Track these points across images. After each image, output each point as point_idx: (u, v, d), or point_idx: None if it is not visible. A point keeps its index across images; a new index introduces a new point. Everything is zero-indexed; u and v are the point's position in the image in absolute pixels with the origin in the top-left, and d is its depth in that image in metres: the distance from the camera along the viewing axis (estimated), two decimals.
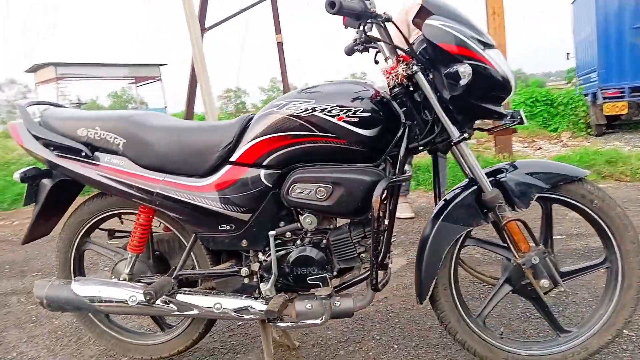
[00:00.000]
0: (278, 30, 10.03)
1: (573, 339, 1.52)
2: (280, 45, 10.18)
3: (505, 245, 1.48)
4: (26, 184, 1.68)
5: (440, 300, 1.55)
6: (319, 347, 1.88)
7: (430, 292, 1.51)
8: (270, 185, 1.49)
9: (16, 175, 1.60)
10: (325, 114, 1.40)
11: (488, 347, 1.55)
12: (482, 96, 1.38)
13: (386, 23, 1.44)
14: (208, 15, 8.14)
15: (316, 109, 1.41)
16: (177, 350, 1.80)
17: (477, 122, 1.51)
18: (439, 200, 1.57)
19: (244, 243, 1.56)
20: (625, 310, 1.48)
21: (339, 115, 1.40)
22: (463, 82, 1.31)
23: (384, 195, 1.48)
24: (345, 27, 1.36)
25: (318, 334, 1.98)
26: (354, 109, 1.39)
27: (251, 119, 1.55)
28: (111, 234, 1.84)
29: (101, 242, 1.83)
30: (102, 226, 1.83)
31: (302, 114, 1.42)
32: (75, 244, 1.80)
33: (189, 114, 7.90)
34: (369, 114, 1.40)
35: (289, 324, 1.53)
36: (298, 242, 1.55)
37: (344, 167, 1.45)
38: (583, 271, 1.57)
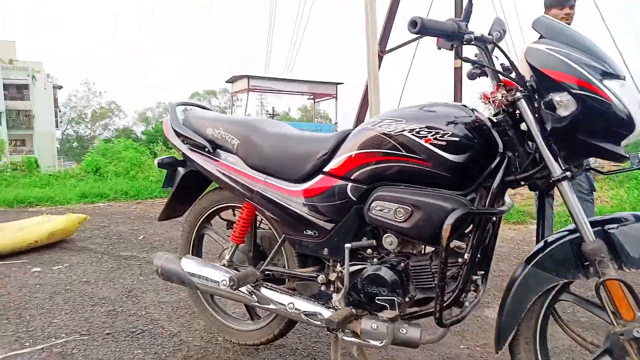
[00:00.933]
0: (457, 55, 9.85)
1: None
2: (458, 70, 10.00)
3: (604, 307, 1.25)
4: (165, 170, 2.01)
5: (520, 355, 1.38)
6: None
7: (508, 342, 1.36)
8: (355, 199, 1.52)
9: (156, 161, 1.93)
10: (413, 134, 1.39)
11: None
12: (594, 132, 1.21)
13: (495, 44, 1.36)
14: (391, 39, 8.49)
15: (405, 129, 1.40)
16: (260, 341, 1.93)
17: (592, 161, 1.32)
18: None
19: (325, 251, 1.61)
20: None
21: (426, 137, 1.37)
22: (561, 112, 1.17)
23: (468, 227, 1.40)
24: (439, 49, 1.32)
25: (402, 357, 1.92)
26: (442, 132, 1.35)
27: (349, 133, 1.61)
28: (229, 224, 2.07)
29: (217, 229, 2.08)
30: (223, 215, 2.08)
31: (393, 133, 1.42)
32: (196, 228, 2.08)
33: (362, 114, 8.29)
34: (458, 139, 1.34)
35: (351, 339, 1.53)
36: (375, 260, 1.54)
37: (427, 190, 1.41)
38: None
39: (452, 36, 1.24)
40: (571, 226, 1.34)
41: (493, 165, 1.38)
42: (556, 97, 1.18)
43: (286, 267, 1.80)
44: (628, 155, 1.24)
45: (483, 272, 1.52)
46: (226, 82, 14.11)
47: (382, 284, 1.48)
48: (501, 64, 1.38)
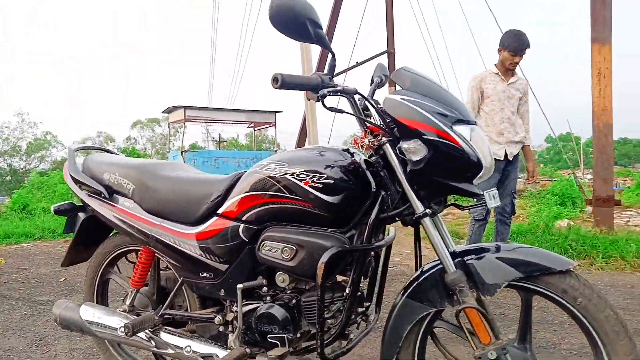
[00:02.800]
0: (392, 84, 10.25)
1: None
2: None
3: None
4: (66, 216, 1.98)
5: None
6: None
7: None
8: (247, 240, 1.57)
9: (52, 208, 1.90)
10: (294, 177, 1.46)
11: None
12: (447, 173, 1.33)
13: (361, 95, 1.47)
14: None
15: (288, 172, 1.48)
16: None
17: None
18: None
19: (222, 292, 1.64)
20: None
21: (305, 179, 1.45)
22: (413, 157, 1.29)
23: (347, 263, 1.48)
24: (308, 99, 1.42)
25: None
26: (319, 175, 1.43)
27: (241, 175, 1.67)
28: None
29: (120, 274, 2.05)
30: (130, 258, 2.06)
31: (277, 176, 1.49)
32: (100, 272, 2.04)
33: (300, 141, 8.37)
34: (333, 181, 1.43)
35: None
36: (269, 298, 1.59)
37: (310, 230, 1.49)
38: None
39: (316, 89, 1.34)
40: (436, 260, 1.46)
41: (368, 203, 1.48)
42: (404, 145, 1.30)
43: (188, 309, 1.81)
44: (481, 193, 1.37)
45: (374, 303, 1.61)
46: (162, 112, 13.93)
47: (273, 322, 1.52)
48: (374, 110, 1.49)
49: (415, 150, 1.29)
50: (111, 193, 1.83)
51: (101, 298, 2.07)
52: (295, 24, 1.22)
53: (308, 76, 1.32)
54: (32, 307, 3.33)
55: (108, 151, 2.15)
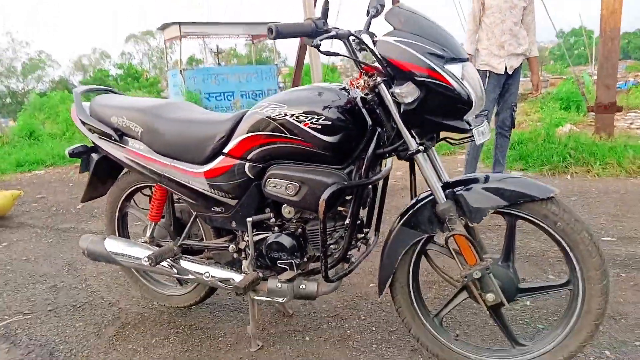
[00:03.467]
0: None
1: (525, 354, 1.54)
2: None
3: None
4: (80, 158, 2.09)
5: (398, 297, 1.65)
6: (309, 317, 2.10)
7: (385, 288, 1.61)
8: (253, 177, 1.68)
9: (67, 152, 2.00)
10: (294, 119, 1.53)
11: (440, 346, 1.63)
12: (439, 112, 1.40)
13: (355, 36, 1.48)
14: None
15: (287, 113, 1.54)
16: (190, 303, 2.14)
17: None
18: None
19: (234, 224, 1.79)
20: (581, 334, 1.45)
21: (304, 121, 1.52)
22: (406, 100, 1.35)
23: (347, 196, 1.60)
24: (305, 45, 1.43)
25: (315, 306, 2.19)
26: (317, 117, 1.50)
27: (244, 115, 1.73)
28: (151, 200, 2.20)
29: (137, 207, 2.20)
30: (144, 192, 2.19)
31: (277, 117, 1.56)
32: (118, 207, 2.19)
33: (296, 76, 8.21)
34: (331, 122, 1.49)
35: (261, 298, 1.76)
36: (276, 228, 1.74)
37: (311, 167, 1.58)
38: (544, 290, 1.56)
39: (311, 35, 1.36)
40: (444, 183, 1.57)
41: (365, 140, 1.56)
42: (397, 90, 1.35)
43: (204, 239, 1.98)
44: (471, 128, 1.44)
45: (374, 228, 1.76)
46: (157, 29, 13.40)
47: (282, 249, 1.69)
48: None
49: (407, 93, 1.34)
50: (120, 135, 1.91)
51: (122, 230, 2.25)
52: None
53: (302, 23, 1.34)
54: (56, 235, 3.57)
55: (113, 91, 2.19)
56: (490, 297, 1.46)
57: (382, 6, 1.72)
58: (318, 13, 1.45)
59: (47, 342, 2.05)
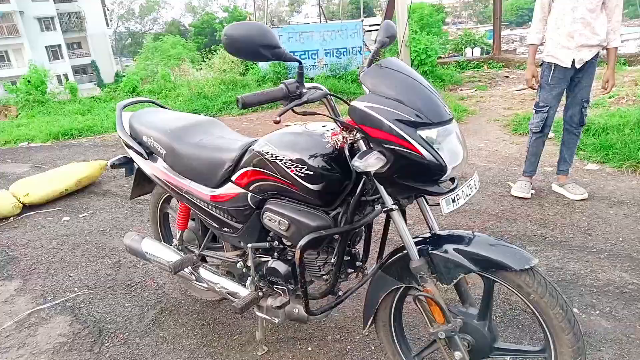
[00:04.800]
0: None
1: None
2: None
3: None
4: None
5: (380, 334, 1.73)
6: (318, 325, 2.25)
7: (369, 324, 1.69)
8: (254, 207, 1.81)
9: (108, 164, 2.26)
10: (282, 163, 1.61)
11: None
12: (409, 177, 1.37)
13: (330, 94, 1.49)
14: None
15: (277, 157, 1.62)
16: (218, 298, 2.39)
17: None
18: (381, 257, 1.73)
19: (242, 244, 1.95)
20: None
21: (290, 167, 1.58)
22: (371, 169, 1.34)
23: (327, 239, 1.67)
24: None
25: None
26: (302, 166, 1.56)
27: (249, 147, 1.82)
28: None
29: (174, 210, 2.45)
30: None
31: (270, 158, 1.65)
32: (158, 208, 2.47)
33: None
34: (314, 172, 1.54)
35: (260, 314, 1.93)
36: (275, 253, 1.87)
37: (301, 207, 1.66)
38: (519, 353, 1.53)
39: (285, 99, 1.39)
40: (420, 237, 1.58)
41: (351, 186, 1.59)
42: (355, 163, 1.36)
43: (224, 250, 2.17)
44: (444, 192, 1.40)
45: (361, 263, 1.82)
46: None
47: (278, 274, 1.82)
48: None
49: (367, 165, 1.34)
50: (149, 154, 2.12)
51: (164, 229, 2.53)
52: (250, 52, 1.25)
53: (273, 89, 1.37)
54: (131, 207, 4.05)
55: (154, 103, 2.40)
56: (457, 355, 1.48)
57: (393, 37, 1.69)
58: None
59: (100, 320, 2.44)
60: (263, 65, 10.66)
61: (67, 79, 34.74)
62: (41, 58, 32.69)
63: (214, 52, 12.09)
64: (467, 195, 1.43)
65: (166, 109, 2.41)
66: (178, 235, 2.27)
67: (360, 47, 11.29)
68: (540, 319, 1.38)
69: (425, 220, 1.59)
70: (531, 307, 1.38)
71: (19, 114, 9.43)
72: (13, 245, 3.44)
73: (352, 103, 1.38)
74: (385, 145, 1.34)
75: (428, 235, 1.53)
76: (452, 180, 1.52)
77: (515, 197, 3.56)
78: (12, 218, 3.97)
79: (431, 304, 1.47)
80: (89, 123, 7.80)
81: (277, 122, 1.29)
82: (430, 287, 1.45)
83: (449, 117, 1.37)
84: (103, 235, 3.50)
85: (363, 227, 1.80)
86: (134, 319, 2.43)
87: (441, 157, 1.33)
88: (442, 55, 13.65)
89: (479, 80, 10.11)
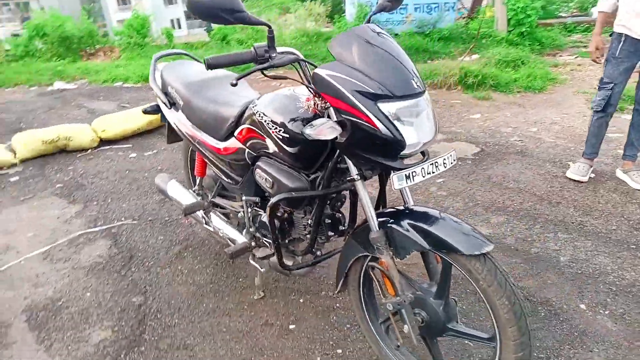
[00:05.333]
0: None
1: None
2: None
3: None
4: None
5: (351, 297, 1.78)
6: (316, 280, 2.35)
7: (339, 288, 1.75)
8: (250, 162, 1.90)
9: (142, 110, 2.46)
10: (267, 124, 1.66)
11: (380, 350, 1.74)
12: (368, 149, 1.36)
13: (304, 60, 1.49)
14: None
15: (264, 117, 1.68)
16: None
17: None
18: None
19: (242, 195, 2.07)
20: None
21: (272, 129, 1.64)
22: (327, 137, 1.35)
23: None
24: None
25: (331, 270, 2.41)
26: (279, 128, 1.60)
27: (249, 105, 1.89)
28: None
29: None
30: None
31: (259, 119, 1.71)
32: (188, 155, 2.66)
33: None
34: (289, 135, 1.58)
35: (252, 262, 2.06)
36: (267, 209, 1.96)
37: (284, 167, 1.72)
38: (471, 338, 1.50)
39: (253, 61, 1.42)
40: (387, 210, 1.58)
41: (328, 151, 1.61)
42: (306, 130, 1.36)
43: (235, 199, 2.31)
44: (403, 167, 1.37)
45: (345, 227, 1.85)
46: None
47: (266, 228, 1.92)
48: None
49: (324, 132, 1.35)
50: (172, 104, 2.28)
51: (192, 173, 2.73)
52: (210, 14, 1.28)
53: (241, 52, 1.40)
54: None
55: (188, 55, 2.54)
56: (405, 328, 1.50)
57: (397, 1, 1.64)
58: None
59: (133, 248, 2.75)
60: (349, 18, 10.46)
61: (180, 25, 36.64)
62: (158, 2, 34.69)
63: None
64: (429, 173, 1.40)
65: (198, 61, 2.54)
66: (197, 182, 2.45)
67: (455, 2, 10.59)
68: (488, 307, 1.35)
69: (400, 193, 1.57)
70: (480, 293, 1.35)
71: (121, 55, 10.27)
72: (85, 174, 3.91)
73: (315, 70, 1.38)
74: (344, 116, 1.34)
75: (396, 209, 1.52)
76: (423, 154, 1.49)
77: (570, 179, 3.29)
78: (90, 150, 4.48)
79: (384, 275, 1.49)
80: None
81: (233, 85, 1.35)
82: (385, 259, 1.46)
83: (416, 90, 1.33)
84: (158, 174, 3.84)
85: (346, 193, 1.83)
86: (161, 251, 2.70)
87: (399, 132, 1.30)
88: (564, 15, 12.33)
89: (585, 46, 9.08)
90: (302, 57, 1.47)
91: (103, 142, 4.62)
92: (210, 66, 1.38)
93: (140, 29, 10.85)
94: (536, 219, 2.78)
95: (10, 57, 10.39)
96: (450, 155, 1.46)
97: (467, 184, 3.30)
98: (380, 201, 1.78)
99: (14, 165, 4.15)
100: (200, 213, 2.33)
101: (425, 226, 1.40)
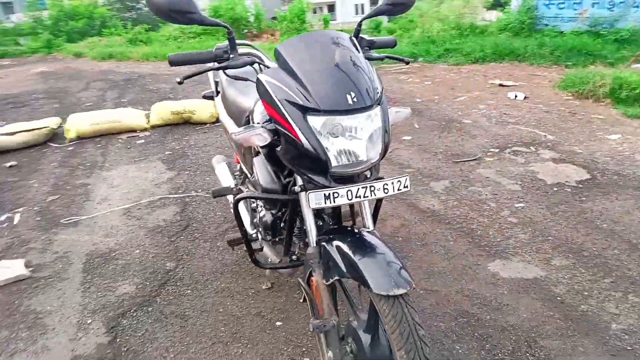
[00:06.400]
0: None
1: None
2: None
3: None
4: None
5: None
6: None
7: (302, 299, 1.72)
8: (253, 157, 1.96)
9: (202, 93, 2.68)
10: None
11: None
12: (297, 163, 1.31)
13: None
14: None
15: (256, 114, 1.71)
16: None
17: None
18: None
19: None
20: None
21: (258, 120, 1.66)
22: (257, 143, 1.32)
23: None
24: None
25: None
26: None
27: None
28: None
29: None
30: None
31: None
32: None
33: None
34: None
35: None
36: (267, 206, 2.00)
37: (267, 167, 1.73)
38: None
39: (212, 61, 1.45)
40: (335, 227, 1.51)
41: None
42: (234, 137, 1.34)
43: None
44: (329, 185, 1.28)
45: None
46: None
47: (262, 223, 1.96)
48: None
49: (247, 139, 1.32)
50: (217, 93, 2.44)
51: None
52: (163, 14, 1.34)
53: (202, 51, 1.44)
54: None
55: (249, 45, 2.67)
56: (329, 354, 1.41)
57: (395, 5, 1.54)
58: None
59: (192, 218, 3.04)
60: (514, 9, 9.59)
61: (363, 10, 37.46)
62: None
63: None
64: (357, 197, 1.28)
65: (263, 54, 2.66)
66: (238, 167, 2.60)
67: None
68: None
69: (360, 212, 1.47)
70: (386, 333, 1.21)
71: (280, 39, 11.09)
72: (192, 146, 4.41)
73: (258, 76, 1.36)
74: (276, 125, 1.31)
75: (344, 229, 1.44)
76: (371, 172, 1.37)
77: None
78: (208, 125, 5.00)
79: (316, 294, 1.42)
80: None
81: (179, 83, 1.41)
82: (316, 278, 1.40)
83: (350, 107, 1.22)
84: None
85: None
86: (212, 226, 2.94)
87: (322, 148, 1.23)
88: None
89: None
90: (262, 59, 1.46)
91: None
92: (172, 63, 1.46)
93: (300, 15, 11.51)
94: (610, 272, 2.28)
95: (192, 34, 12.01)
96: (399, 182, 1.32)
97: (549, 215, 2.84)
98: (353, 217, 1.68)
99: (145, 130, 4.88)
100: (230, 197, 2.47)
101: (352, 253, 1.29)
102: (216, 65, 1.45)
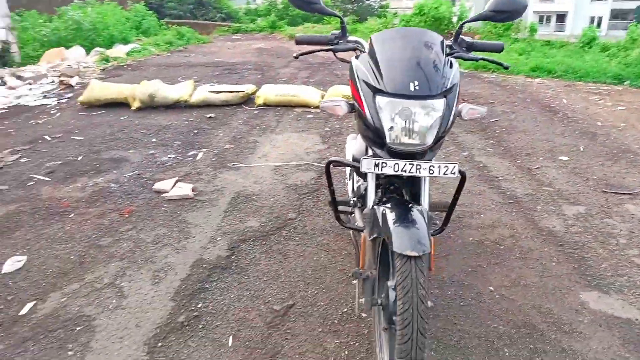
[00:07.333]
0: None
1: None
2: None
3: None
4: None
5: None
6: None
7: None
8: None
9: None
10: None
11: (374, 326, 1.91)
12: (364, 135, 1.59)
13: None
14: None
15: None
16: None
17: None
18: None
19: None
20: None
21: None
22: (338, 113, 1.62)
23: None
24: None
25: None
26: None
27: None
28: None
29: None
30: None
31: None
32: None
33: None
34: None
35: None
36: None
37: (359, 139, 2.03)
38: None
39: (327, 44, 1.78)
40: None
41: None
42: (321, 104, 1.64)
43: None
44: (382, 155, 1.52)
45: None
46: None
47: (356, 191, 2.27)
48: None
49: (331, 107, 1.63)
50: None
51: None
52: (297, 4, 1.73)
53: (323, 35, 1.79)
54: None
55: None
56: (362, 299, 1.66)
57: (500, 12, 1.71)
58: None
59: (323, 184, 3.48)
60: None
61: (600, 23, 32.92)
62: None
63: None
64: (404, 170, 1.49)
65: None
66: None
67: None
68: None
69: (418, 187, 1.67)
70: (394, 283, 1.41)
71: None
72: (351, 128, 4.86)
73: (351, 59, 1.66)
74: (353, 100, 1.61)
75: (400, 201, 1.64)
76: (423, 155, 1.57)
77: None
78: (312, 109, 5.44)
79: (362, 247, 1.68)
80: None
81: (296, 58, 1.79)
82: (364, 234, 1.66)
83: (411, 93, 1.45)
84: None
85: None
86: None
87: (380, 123, 1.48)
88: None
89: None
90: (364, 46, 1.75)
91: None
92: (297, 42, 1.86)
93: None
94: None
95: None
96: (446, 167, 1.49)
97: None
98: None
99: (317, 107, 5.52)
100: (347, 169, 2.82)
101: (391, 218, 1.52)
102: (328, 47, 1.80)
